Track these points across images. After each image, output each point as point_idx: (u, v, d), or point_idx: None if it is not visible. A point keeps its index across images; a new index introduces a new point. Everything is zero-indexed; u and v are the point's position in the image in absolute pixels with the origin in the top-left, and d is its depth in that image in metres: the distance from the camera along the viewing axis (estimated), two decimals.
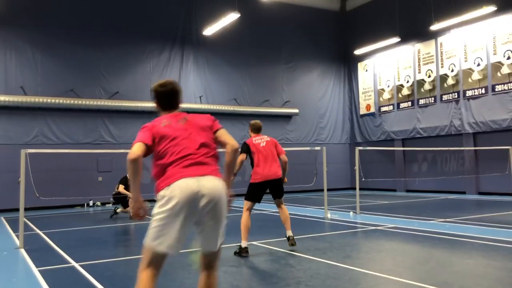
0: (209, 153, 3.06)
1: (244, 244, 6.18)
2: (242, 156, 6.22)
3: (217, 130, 3.20)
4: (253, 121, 6.79)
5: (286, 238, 6.53)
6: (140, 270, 2.96)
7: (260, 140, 6.52)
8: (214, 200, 2.88)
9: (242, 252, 6.12)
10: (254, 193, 6.48)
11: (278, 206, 6.65)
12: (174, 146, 2.99)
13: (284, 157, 6.59)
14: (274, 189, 6.49)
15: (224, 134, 3.20)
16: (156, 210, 2.90)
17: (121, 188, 11.92)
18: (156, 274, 2.94)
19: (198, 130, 3.11)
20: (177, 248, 2.92)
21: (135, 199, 3.02)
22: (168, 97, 3.26)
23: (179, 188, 2.83)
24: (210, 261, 3.13)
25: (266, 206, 13.03)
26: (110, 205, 15.48)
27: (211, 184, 2.90)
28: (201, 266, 3.14)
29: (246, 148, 6.40)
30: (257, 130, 6.66)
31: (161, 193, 2.91)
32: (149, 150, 3.02)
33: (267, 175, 6.32)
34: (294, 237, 6.51)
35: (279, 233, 8.02)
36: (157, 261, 2.95)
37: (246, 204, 6.55)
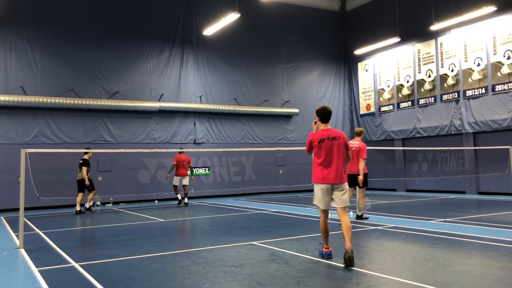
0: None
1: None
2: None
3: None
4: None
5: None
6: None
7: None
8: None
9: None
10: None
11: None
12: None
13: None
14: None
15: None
16: None
17: (84, 171, 12.73)
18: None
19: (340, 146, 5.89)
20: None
21: None
22: (325, 115, 5.92)
23: None
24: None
25: (266, 206, 13.02)
26: (110, 204, 15.49)
27: None
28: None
29: None
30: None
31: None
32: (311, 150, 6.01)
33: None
34: (296, 237, 6.48)
35: (279, 233, 8.03)
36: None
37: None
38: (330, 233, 6.02)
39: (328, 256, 5.87)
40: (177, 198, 14.91)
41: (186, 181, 14.64)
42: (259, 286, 4.66)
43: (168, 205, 15.06)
